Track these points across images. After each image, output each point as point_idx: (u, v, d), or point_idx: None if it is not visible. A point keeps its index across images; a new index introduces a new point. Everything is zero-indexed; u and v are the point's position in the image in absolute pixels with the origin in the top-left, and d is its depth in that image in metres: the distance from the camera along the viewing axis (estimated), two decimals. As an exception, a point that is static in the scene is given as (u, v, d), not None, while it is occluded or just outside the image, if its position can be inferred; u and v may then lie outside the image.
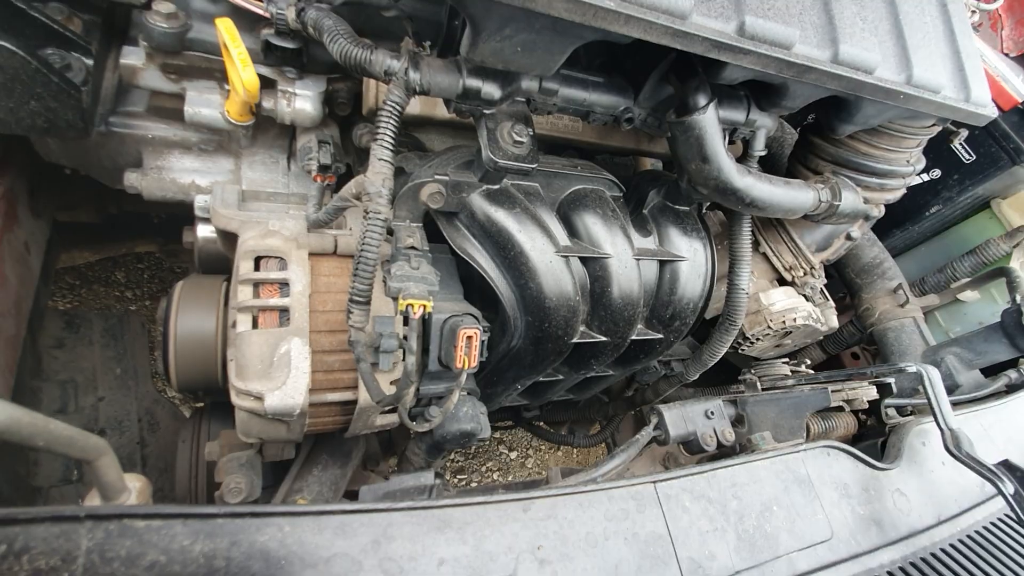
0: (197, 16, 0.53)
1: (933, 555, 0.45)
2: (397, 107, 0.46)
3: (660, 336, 0.67)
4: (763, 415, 0.52)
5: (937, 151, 0.96)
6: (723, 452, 0.50)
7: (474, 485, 1.82)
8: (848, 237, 0.76)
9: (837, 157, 0.69)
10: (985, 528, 0.49)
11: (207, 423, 0.75)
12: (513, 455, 1.79)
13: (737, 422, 0.53)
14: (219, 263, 0.65)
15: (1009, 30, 1.42)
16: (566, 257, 0.58)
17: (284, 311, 0.54)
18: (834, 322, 0.83)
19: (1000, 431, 0.58)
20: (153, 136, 0.62)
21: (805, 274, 0.78)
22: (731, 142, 0.66)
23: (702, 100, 0.53)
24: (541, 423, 1.12)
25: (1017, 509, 0.44)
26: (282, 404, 0.52)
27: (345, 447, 0.75)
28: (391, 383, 0.57)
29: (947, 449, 0.48)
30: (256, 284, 0.55)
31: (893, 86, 0.55)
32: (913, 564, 0.43)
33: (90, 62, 0.58)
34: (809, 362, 0.68)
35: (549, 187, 0.61)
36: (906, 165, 0.69)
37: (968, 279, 0.93)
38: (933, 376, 0.51)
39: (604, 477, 0.44)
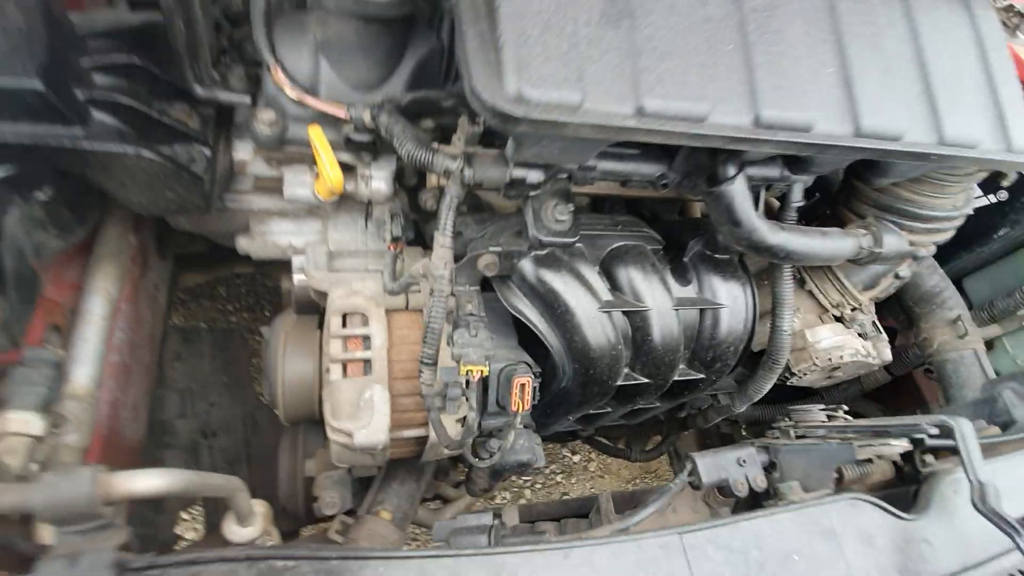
0: (292, 119, 0.64)
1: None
2: (455, 200, 0.54)
3: (702, 376, 0.73)
4: (794, 464, 0.57)
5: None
6: (755, 497, 0.55)
7: (538, 487, 1.92)
8: (896, 276, 0.77)
9: (879, 202, 0.71)
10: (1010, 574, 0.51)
11: (303, 438, 0.89)
12: (576, 458, 1.87)
13: (770, 468, 0.57)
14: (310, 305, 0.76)
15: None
16: (608, 312, 0.65)
17: (367, 362, 0.65)
18: (887, 355, 0.84)
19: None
20: (257, 208, 0.74)
21: (854, 311, 0.80)
22: (769, 193, 0.70)
23: (731, 171, 0.58)
24: (600, 437, 1.19)
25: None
26: (368, 441, 0.62)
27: (419, 464, 0.86)
28: (456, 420, 0.66)
29: (972, 503, 0.50)
30: (344, 339, 0.66)
31: (924, 149, 0.57)
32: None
33: (208, 153, 0.70)
34: (846, 408, 0.70)
35: (592, 246, 0.67)
36: (952, 210, 0.70)
37: (1039, 305, 0.90)
38: (965, 429, 0.54)
39: (638, 525, 0.50)
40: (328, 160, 0.59)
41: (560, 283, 0.63)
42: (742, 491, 0.55)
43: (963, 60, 0.63)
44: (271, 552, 0.38)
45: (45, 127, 0.60)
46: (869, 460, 0.57)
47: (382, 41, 0.61)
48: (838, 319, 0.82)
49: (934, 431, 0.55)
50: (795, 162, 0.61)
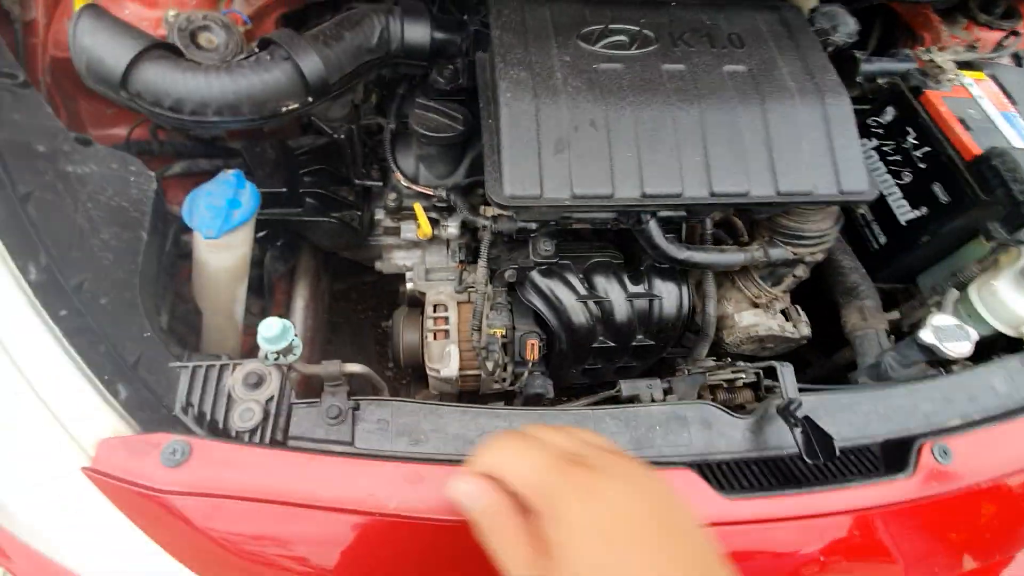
0: (405, 196, 1.15)
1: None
2: (487, 241, 1.01)
3: (653, 342, 1.13)
4: (678, 386, 0.96)
5: (923, 192, 1.22)
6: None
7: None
8: (794, 276, 1.12)
9: (771, 227, 1.07)
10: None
11: (412, 386, 1.41)
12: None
13: (667, 391, 0.97)
14: (415, 301, 1.28)
15: (1091, 39, 1.48)
16: (584, 302, 1.08)
17: (447, 331, 1.14)
18: (805, 331, 1.18)
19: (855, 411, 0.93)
20: (386, 244, 1.27)
21: (771, 301, 1.16)
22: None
23: (645, 219, 0.99)
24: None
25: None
26: (449, 375, 1.11)
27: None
28: (495, 365, 1.14)
29: (776, 408, 0.87)
30: (434, 319, 1.16)
31: (766, 199, 0.94)
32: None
33: (359, 214, 1.24)
34: (729, 360, 1.07)
35: (577, 261, 1.11)
36: (821, 232, 1.04)
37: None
38: (785, 369, 0.90)
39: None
40: (422, 220, 1.10)
41: (554, 285, 1.07)
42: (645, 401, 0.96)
43: (809, 133, 0.98)
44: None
45: (284, 210, 1.17)
46: (723, 385, 0.95)
47: (452, 152, 1.10)
48: (762, 306, 1.17)
49: (758, 369, 0.93)
50: (687, 210, 1.00)
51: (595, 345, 1.12)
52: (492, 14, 1.02)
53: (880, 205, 1.32)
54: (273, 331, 0.80)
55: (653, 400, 0.97)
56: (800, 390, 0.94)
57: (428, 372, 1.13)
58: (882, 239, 1.33)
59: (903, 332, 1.27)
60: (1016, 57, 1.46)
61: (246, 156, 1.14)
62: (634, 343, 1.13)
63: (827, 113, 0.99)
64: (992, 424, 0.93)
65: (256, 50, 0.96)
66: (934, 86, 1.23)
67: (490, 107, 0.96)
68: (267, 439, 0.80)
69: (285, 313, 1.35)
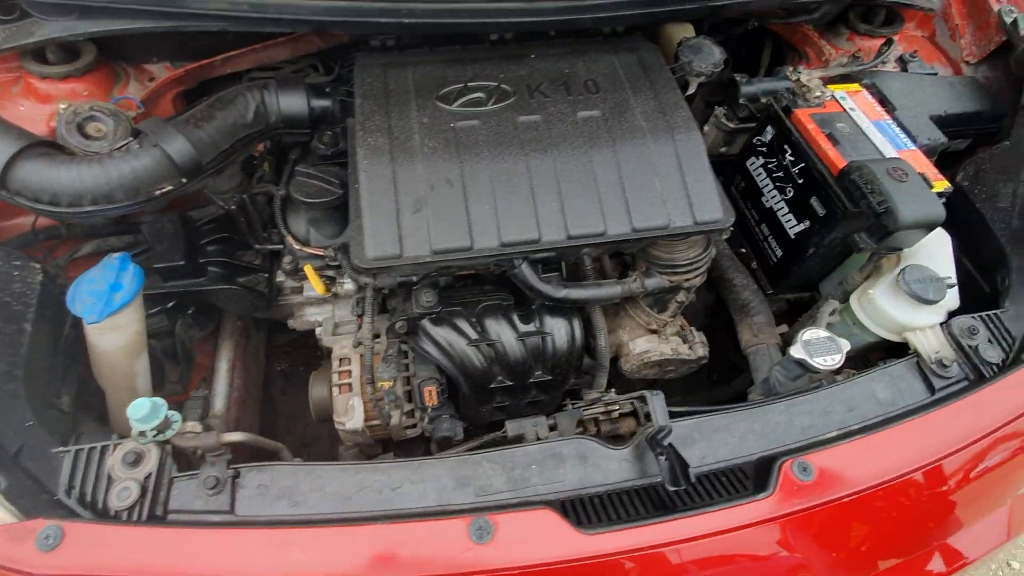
0: (300, 257, 1.20)
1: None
2: (371, 297, 1.06)
3: (550, 377, 1.17)
4: (561, 423, 1.00)
5: (804, 206, 1.27)
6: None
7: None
8: (678, 302, 1.16)
9: (646, 258, 1.11)
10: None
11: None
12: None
13: (552, 428, 1.00)
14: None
15: (970, 37, 1.54)
16: (476, 345, 1.12)
17: (350, 385, 1.17)
18: (700, 353, 1.21)
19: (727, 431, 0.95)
20: (295, 302, 1.32)
21: (664, 326, 1.20)
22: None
23: (516, 263, 1.03)
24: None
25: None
26: (353, 427, 1.14)
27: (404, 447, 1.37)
28: (403, 414, 1.17)
29: (646, 438, 0.90)
30: (339, 373, 1.19)
31: (623, 236, 0.99)
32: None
33: (267, 277, 1.29)
34: (612, 392, 1.10)
35: (468, 306, 1.15)
36: (691, 260, 1.08)
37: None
38: (654, 398, 0.93)
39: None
40: (312, 280, 1.14)
41: (445, 332, 1.11)
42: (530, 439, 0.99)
43: (661, 170, 1.03)
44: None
45: (186, 281, 1.21)
46: (601, 417, 0.99)
47: (337, 213, 1.15)
48: (655, 332, 1.21)
49: (631, 399, 0.96)
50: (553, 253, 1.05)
51: (494, 385, 1.15)
52: (356, 82, 1.08)
53: (774, 220, 1.36)
54: (142, 411, 0.84)
55: (538, 438, 1.01)
56: (677, 415, 0.97)
57: (337, 426, 1.16)
58: (778, 252, 1.36)
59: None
60: (901, 61, 1.51)
61: (145, 232, 1.19)
62: (532, 380, 1.16)
63: (678, 149, 1.04)
64: (867, 434, 0.96)
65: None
66: (803, 104, 1.28)
67: (354, 173, 1.01)
68: (144, 516, 0.83)
69: (209, 376, 1.39)
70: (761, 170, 1.39)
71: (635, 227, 0.99)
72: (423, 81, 1.09)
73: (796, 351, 1.01)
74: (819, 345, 1.02)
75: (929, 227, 1.08)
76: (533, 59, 1.15)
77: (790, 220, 1.31)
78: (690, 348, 1.20)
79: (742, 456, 0.94)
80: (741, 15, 1.39)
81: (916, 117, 1.34)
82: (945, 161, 1.43)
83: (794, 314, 1.41)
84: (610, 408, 1.00)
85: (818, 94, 1.27)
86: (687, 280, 1.11)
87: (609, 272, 1.19)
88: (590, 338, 1.18)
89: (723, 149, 1.60)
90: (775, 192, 1.35)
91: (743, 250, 1.47)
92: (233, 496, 0.86)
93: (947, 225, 1.32)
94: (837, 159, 1.18)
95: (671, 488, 0.84)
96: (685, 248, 1.07)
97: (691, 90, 1.42)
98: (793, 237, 1.31)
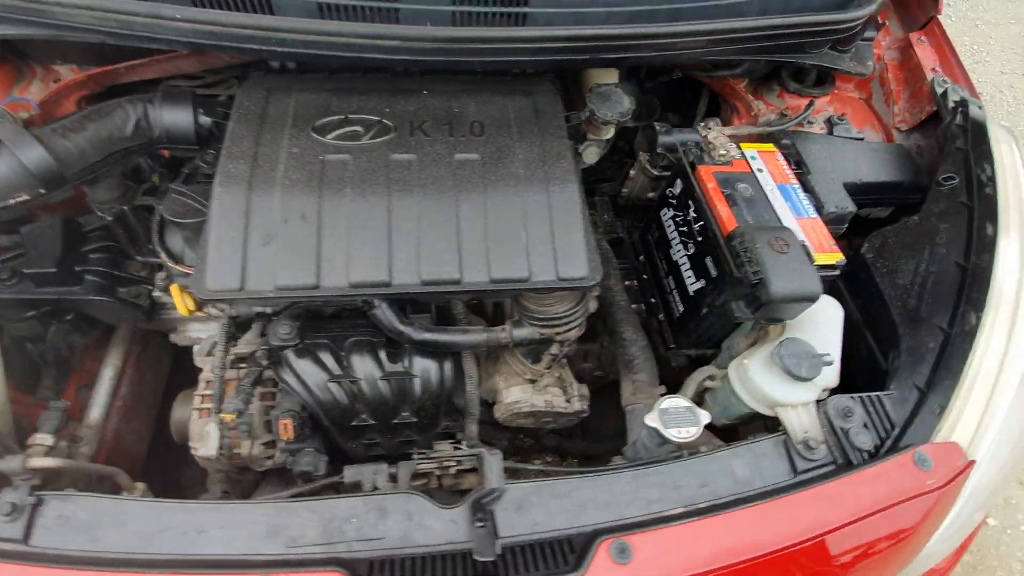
0: (175, 274, 1.17)
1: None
2: (225, 326, 1.03)
3: (416, 420, 1.13)
4: (402, 473, 0.96)
5: (701, 264, 1.23)
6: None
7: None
8: (552, 355, 1.12)
9: (520, 310, 1.08)
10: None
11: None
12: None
13: (392, 478, 0.97)
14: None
15: (904, 103, 1.52)
16: (338, 381, 1.09)
17: (210, 410, 1.14)
18: (577, 406, 1.18)
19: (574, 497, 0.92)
20: (175, 317, 1.29)
21: (542, 376, 1.16)
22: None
23: (374, 304, 1.00)
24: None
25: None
26: (205, 454, 1.11)
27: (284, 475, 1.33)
28: (261, 444, 1.13)
29: (473, 500, 0.86)
30: (202, 396, 1.16)
31: (479, 287, 0.96)
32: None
33: (150, 289, 1.26)
34: (459, 440, 1.06)
35: (334, 340, 1.12)
36: (561, 313, 1.05)
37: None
38: (488, 459, 0.90)
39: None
40: (176, 300, 1.12)
41: (306, 365, 1.08)
42: (370, 487, 0.96)
43: (531, 221, 1.00)
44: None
45: (58, 289, 1.19)
46: (436, 472, 0.95)
47: (212, 233, 1.13)
48: (534, 381, 1.17)
49: (472, 455, 0.92)
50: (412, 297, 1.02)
51: (356, 424, 1.12)
52: (235, 104, 1.06)
53: (679, 274, 1.33)
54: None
55: (375, 488, 0.97)
56: (529, 474, 0.94)
57: (192, 451, 1.13)
58: (680, 307, 1.33)
59: (698, 401, 1.27)
60: (829, 123, 1.49)
61: (22, 235, 1.17)
62: (397, 421, 1.13)
63: (551, 201, 1.01)
64: (710, 515, 0.92)
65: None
66: (708, 160, 1.26)
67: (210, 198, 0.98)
68: (-71, 539, 0.80)
69: (90, 383, 1.36)
70: (671, 222, 1.37)
71: (493, 277, 0.96)
72: (304, 109, 1.07)
73: (651, 419, 0.97)
74: (676, 415, 0.98)
75: (804, 302, 1.04)
76: (425, 95, 1.13)
77: (690, 276, 1.28)
78: (567, 401, 1.16)
79: (576, 527, 0.90)
80: (662, 65, 1.37)
81: (829, 183, 1.31)
82: (868, 227, 1.40)
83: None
84: (446, 464, 0.96)
85: (722, 152, 1.24)
86: (559, 333, 1.08)
87: (490, 317, 1.16)
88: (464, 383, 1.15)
89: (651, 195, 1.57)
90: (680, 246, 1.32)
91: (653, 300, 1.44)
92: (30, 525, 0.83)
93: (853, 297, 1.30)
94: (729, 221, 1.15)
95: (477, 559, 0.80)
96: (553, 302, 1.04)
97: (607, 135, 1.40)
98: (692, 294, 1.27)
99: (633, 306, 1.43)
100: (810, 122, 1.47)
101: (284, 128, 1.03)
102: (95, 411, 1.33)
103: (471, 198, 0.99)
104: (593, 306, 1.14)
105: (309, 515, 0.87)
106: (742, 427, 1.33)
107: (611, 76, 1.41)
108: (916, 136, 1.50)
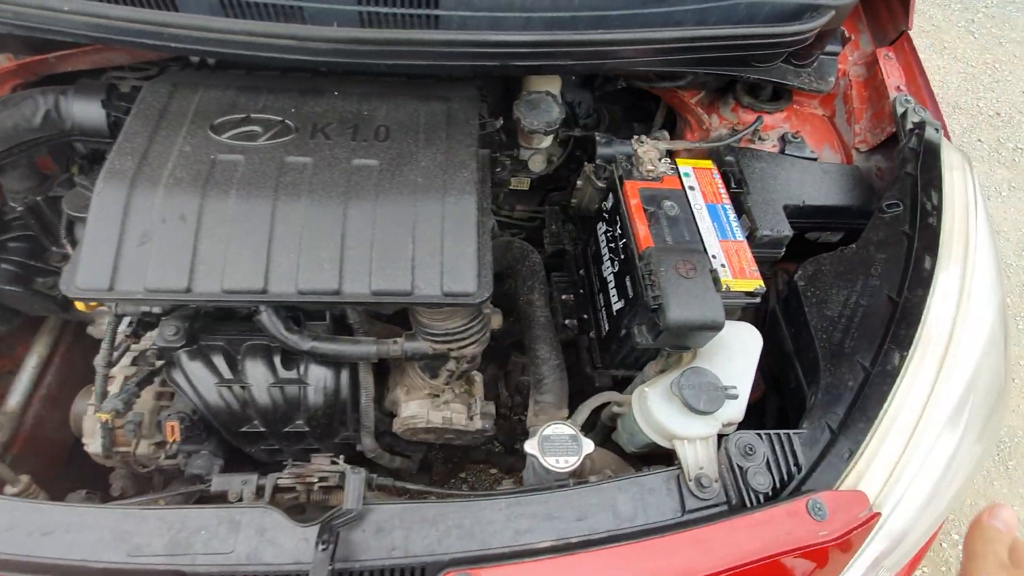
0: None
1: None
2: (112, 328, 1.01)
3: (307, 429, 1.10)
4: (268, 486, 0.94)
5: (623, 283, 1.18)
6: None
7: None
8: (450, 371, 1.08)
9: (415, 324, 1.05)
10: None
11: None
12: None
13: (260, 490, 0.94)
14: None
15: (866, 122, 1.44)
16: (228, 386, 1.07)
17: (108, 406, 1.14)
18: (478, 425, 1.14)
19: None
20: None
21: (443, 392, 1.12)
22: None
23: (260, 310, 0.98)
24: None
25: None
26: (94, 451, 1.10)
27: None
28: (151, 444, 1.12)
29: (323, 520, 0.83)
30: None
31: (360, 299, 0.92)
32: None
33: (67, 280, 1.26)
34: (332, 457, 1.03)
35: (231, 343, 1.10)
36: (453, 329, 1.01)
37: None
38: (350, 478, 0.86)
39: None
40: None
41: (196, 368, 1.06)
42: (235, 498, 0.93)
43: (422, 232, 0.96)
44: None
45: (-29, 277, 1.20)
46: (296, 486, 0.92)
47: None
48: (436, 396, 1.14)
49: (337, 472, 0.88)
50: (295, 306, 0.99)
51: (247, 430, 1.10)
52: (139, 98, 1.05)
53: (606, 291, 1.28)
54: None
55: (241, 499, 0.94)
56: (402, 491, 0.90)
57: (86, 447, 1.12)
58: (605, 326, 1.28)
59: (611, 426, 1.21)
60: (783, 140, 1.42)
61: (-63, 223, 1.18)
62: (290, 429, 1.10)
63: (445, 212, 0.97)
64: (572, 552, 0.87)
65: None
66: (637, 176, 1.20)
67: (97, 194, 0.97)
68: None
69: (14, 370, 1.37)
70: (604, 237, 1.31)
71: (374, 289, 0.92)
72: (207, 106, 1.05)
73: (530, 446, 0.93)
74: (558, 443, 0.94)
75: (706, 331, 0.98)
76: (336, 96, 1.10)
77: (614, 295, 1.23)
78: (469, 419, 1.12)
79: (434, 555, 0.86)
80: (590, 73, 1.32)
81: (767, 204, 1.24)
82: (818, 252, 1.32)
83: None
84: (305, 479, 0.93)
85: (650, 167, 1.19)
86: (454, 349, 1.04)
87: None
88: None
89: (598, 206, 1.52)
90: (608, 263, 1.27)
91: (585, 316, 1.39)
92: None
93: (787, 325, 1.23)
94: (645, 240, 1.10)
95: (312, 583, 0.77)
96: (443, 317, 1.00)
97: (542, 144, 1.36)
98: (615, 314, 1.22)
99: (567, 321, 1.39)
100: (762, 139, 1.40)
101: (182, 125, 1.01)
102: (13, 398, 1.34)
103: (361, 206, 0.96)
104: (497, 322, 1.09)
105: (159, 524, 0.84)
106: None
107: (553, 83, 1.36)
108: (877, 157, 1.42)
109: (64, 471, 1.48)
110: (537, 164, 1.56)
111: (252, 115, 1.04)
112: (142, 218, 0.93)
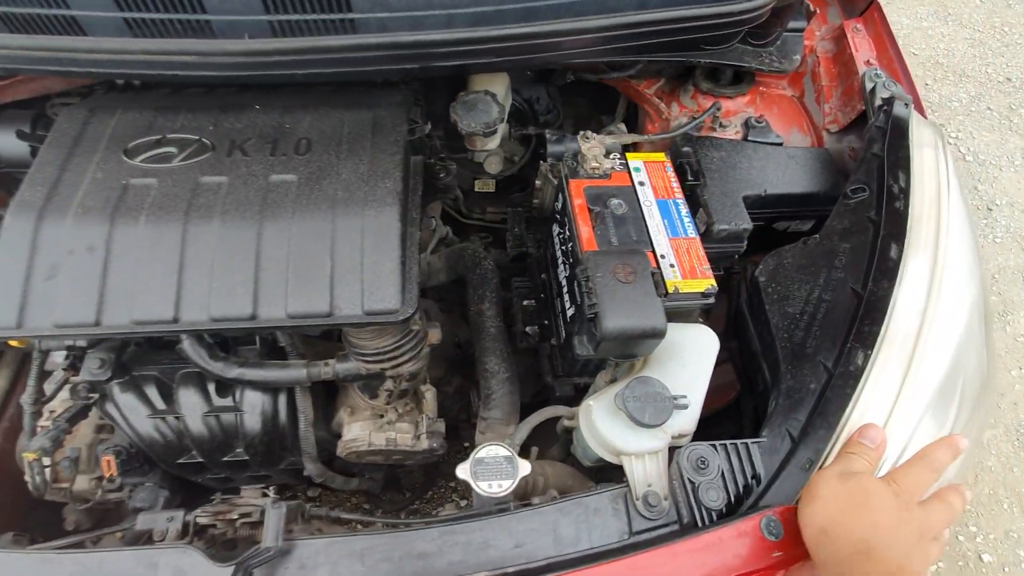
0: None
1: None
2: (37, 364, 0.99)
3: (247, 457, 1.07)
4: (193, 523, 0.90)
5: (572, 288, 1.12)
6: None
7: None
8: (385, 389, 1.03)
9: (348, 345, 1.00)
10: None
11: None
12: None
13: (186, 527, 0.91)
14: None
15: (836, 101, 1.35)
16: (162, 417, 1.03)
17: (50, 441, 1.11)
18: (426, 445, 1.09)
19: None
20: (42, 342, 1.27)
21: (384, 414, 1.08)
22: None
23: (182, 339, 0.94)
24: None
25: None
26: (32, 486, 1.08)
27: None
28: (91, 480, 1.10)
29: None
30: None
31: (276, 323, 0.88)
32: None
33: None
34: (263, 489, 0.99)
35: (164, 372, 1.06)
36: (383, 348, 0.96)
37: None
38: (270, 513, 0.82)
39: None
40: None
41: (128, 399, 1.03)
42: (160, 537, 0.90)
43: (341, 249, 0.91)
44: None
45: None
46: (215, 524, 0.88)
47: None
48: (381, 416, 1.09)
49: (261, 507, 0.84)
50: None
51: (185, 461, 1.06)
52: (53, 127, 1.02)
53: (562, 297, 1.22)
54: None
55: (164, 537, 0.91)
56: (320, 518, 0.86)
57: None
58: (563, 333, 1.22)
59: (568, 440, 1.15)
60: (746, 126, 1.33)
61: None
62: (229, 458, 1.07)
63: (365, 225, 0.92)
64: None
65: None
66: (583, 174, 1.14)
67: (8, 228, 0.94)
68: None
69: (-26, 406, 1.36)
70: (557, 239, 1.25)
71: (290, 312, 0.88)
72: (124, 129, 1.01)
73: (462, 471, 0.88)
74: (492, 466, 0.88)
75: (647, 339, 0.92)
76: (257, 110, 1.05)
77: (567, 300, 1.16)
78: (416, 439, 1.07)
79: (361, 591, 0.81)
80: (525, 68, 1.25)
81: (725, 196, 1.17)
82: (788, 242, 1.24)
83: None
84: (225, 516, 0.89)
85: (594, 164, 1.12)
86: (388, 368, 0.99)
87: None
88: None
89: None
90: (562, 266, 1.21)
91: (547, 322, 1.33)
92: None
93: (754, 324, 1.15)
94: (588, 243, 1.03)
95: (223, 630, 0.73)
96: (371, 336, 0.95)
97: (488, 145, 1.30)
98: (568, 320, 1.16)
99: (528, 328, 1.33)
100: (723, 125, 1.32)
101: (96, 151, 0.98)
102: (-28, 433, 1.33)
103: (277, 224, 0.92)
104: (435, 336, 1.04)
105: (75, 569, 0.81)
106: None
107: (498, 81, 1.31)
108: (850, 138, 1.33)
109: (37, 503, 1.47)
110: (493, 166, 1.50)
111: (168, 136, 1.00)
112: (50, 251, 0.89)
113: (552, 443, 1.25)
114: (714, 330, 1.27)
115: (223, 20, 0.96)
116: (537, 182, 1.44)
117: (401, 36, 0.98)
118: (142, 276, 0.89)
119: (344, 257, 0.91)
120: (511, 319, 1.35)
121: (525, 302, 1.37)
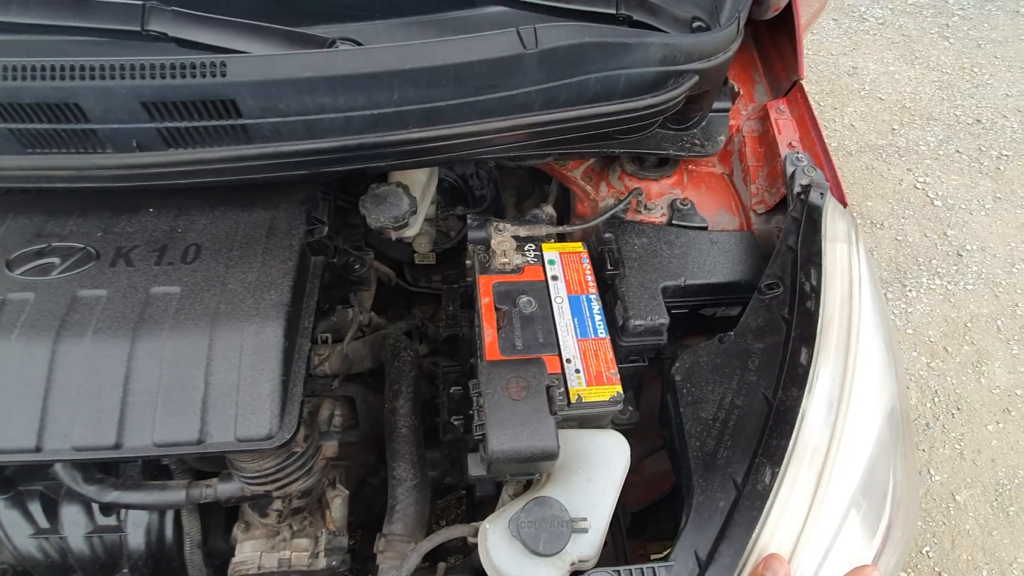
0: None
1: None
2: None
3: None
4: None
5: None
6: None
7: None
8: (275, 510, 0.98)
9: (228, 464, 0.95)
10: None
11: None
12: None
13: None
14: None
15: (762, 182, 1.33)
16: (46, 536, 0.98)
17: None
18: (323, 564, 1.03)
19: None
20: None
21: (278, 533, 1.02)
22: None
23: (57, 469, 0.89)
24: None
25: None
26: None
27: None
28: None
29: None
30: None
31: (143, 452, 0.83)
32: None
33: None
34: None
35: (51, 489, 1.01)
36: (259, 471, 0.91)
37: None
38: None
39: None
40: None
41: (11, 515, 0.98)
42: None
43: (217, 368, 0.87)
44: None
45: None
46: None
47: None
48: (277, 533, 1.04)
49: None
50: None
51: (82, 585, 1.01)
52: (-62, 238, 0.99)
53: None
54: None
55: None
56: None
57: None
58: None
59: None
60: (672, 208, 1.31)
61: None
62: (117, 578, 1.01)
63: (244, 343, 0.88)
64: None
65: None
66: (494, 269, 1.11)
67: None
68: None
69: None
70: (476, 330, 1.21)
71: (156, 441, 0.83)
72: (9, 238, 0.99)
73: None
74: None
75: (537, 462, 0.87)
76: (151, 213, 1.03)
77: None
78: (313, 557, 1.02)
79: None
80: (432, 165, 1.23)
81: (643, 287, 1.13)
82: (717, 328, 1.21)
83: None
84: None
85: (504, 260, 1.09)
86: (273, 491, 0.94)
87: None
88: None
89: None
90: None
91: (471, 412, 1.28)
92: None
93: (672, 423, 1.11)
94: (491, 349, 1.00)
95: None
96: (251, 459, 0.90)
97: (406, 234, 1.28)
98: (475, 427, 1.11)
99: (453, 419, 1.28)
100: (648, 208, 1.30)
101: (-24, 264, 0.95)
102: None
103: (151, 343, 0.88)
104: (331, 450, 1.00)
105: None
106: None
107: (416, 175, 1.29)
108: (778, 218, 1.30)
109: None
110: (423, 245, 1.48)
111: (53, 244, 0.97)
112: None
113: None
114: (649, 413, 1.23)
115: (108, 128, 0.93)
116: (468, 262, 1.41)
117: (295, 145, 0.96)
118: (6, 401, 0.84)
119: (220, 379, 0.87)
120: (438, 408, 1.30)
121: (452, 389, 1.33)
